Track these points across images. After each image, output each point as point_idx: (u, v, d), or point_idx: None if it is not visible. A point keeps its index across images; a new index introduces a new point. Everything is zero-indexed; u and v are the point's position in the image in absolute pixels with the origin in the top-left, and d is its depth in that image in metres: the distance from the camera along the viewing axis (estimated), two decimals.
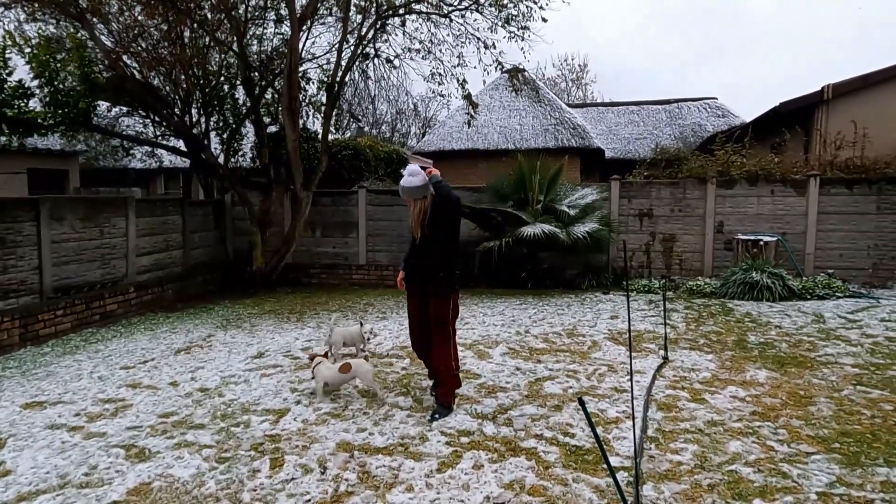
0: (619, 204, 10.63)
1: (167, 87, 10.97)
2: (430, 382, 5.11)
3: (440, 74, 11.43)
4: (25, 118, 8.68)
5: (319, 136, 11.61)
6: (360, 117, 14.93)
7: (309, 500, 3.18)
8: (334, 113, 11.55)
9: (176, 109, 10.94)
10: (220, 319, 8.25)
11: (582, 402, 2.54)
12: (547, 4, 10.49)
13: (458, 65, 11.31)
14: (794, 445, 3.74)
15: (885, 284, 9.47)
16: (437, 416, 4.28)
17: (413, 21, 11.32)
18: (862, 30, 51.12)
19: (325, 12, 11.25)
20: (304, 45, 10.74)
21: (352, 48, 10.93)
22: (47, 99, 8.95)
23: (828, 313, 7.70)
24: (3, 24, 9.47)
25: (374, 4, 10.79)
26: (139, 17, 9.79)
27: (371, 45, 11.31)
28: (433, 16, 11.05)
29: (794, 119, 11.57)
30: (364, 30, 10.91)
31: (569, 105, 20.08)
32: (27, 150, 11.76)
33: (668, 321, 7.07)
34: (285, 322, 7.98)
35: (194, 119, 11.25)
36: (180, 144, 11.45)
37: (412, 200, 4.34)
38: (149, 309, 9.02)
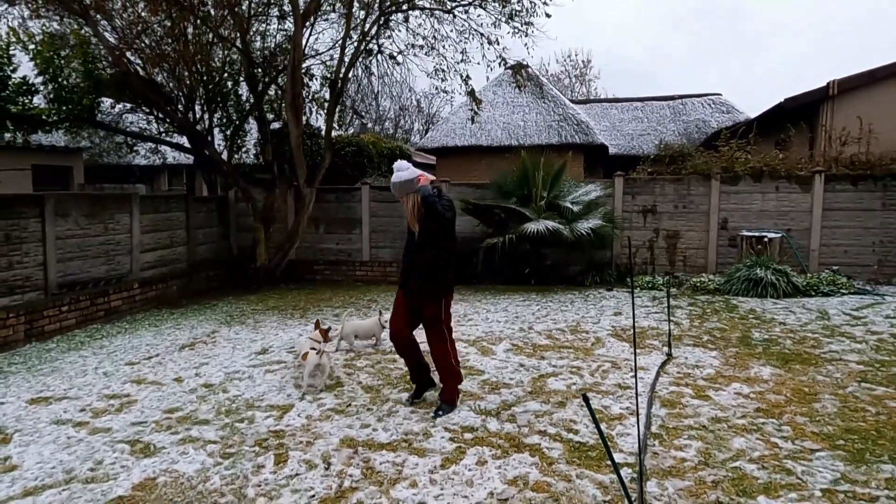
0: (622, 200, 10.61)
1: (171, 84, 10.98)
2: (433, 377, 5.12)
3: (443, 70, 11.41)
4: (30, 115, 8.72)
5: (323, 133, 11.61)
6: (363, 114, 14.92)
7: (313, 496, 3.19)
8: (337, 109, 11.55)
9: (179, 106, 10.96)
10: (224, 316, 8.27)
11: (586, 399, 2.54)
12: (551, 0, 10.46)
13: (462, 61, 11.28)
14: (798, 442, 3.73)
15: (891, 281, 9.43)
16: (440, 412, 4.28)
17: (416, 17, 11.29)
18: (868, 25, 50.79)
19: (328, 8, 11.23)
20: (307, 41, 10.75)
21: (355, 44, 10.91)
22: (51, 95, 8.98)
23: (832, 310, 7.68)
24: (7, 20, 9.50)
25: (378, 0, 10.77)
26: (142, 14, 9.80)
27: (374, 41, 11.30)
28: (436, 11, 11.02)
29: (799, 115, 11.51)
30: (367, 26, 10.89)
31: (572, 101, 20.00)
32: (32, 147, 11.79)
33: (671, 318, 7.05)
34: (289, 318, 7.99)
35: (198, 115, 11.26)
36: (184, 141, 11.46)
37: (404, 196, 4.25)
38: (153, 305, 9.05)
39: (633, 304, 3.25)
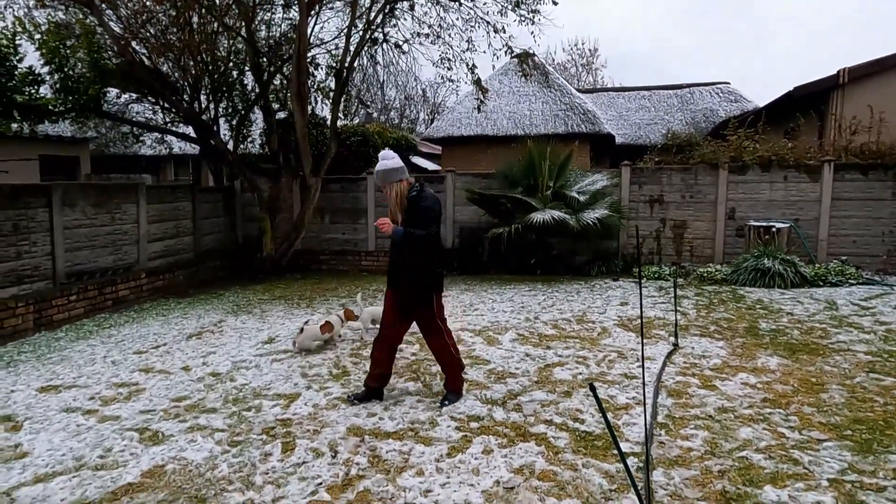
0: (629, 190, 10.55)
1: (176, 74, 10.96)
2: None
3: (449, 59, 11.34)
4: (36, 104, 8.74)
5: (328, 123, 11.58)
6: (368, 103, 14.86)
7: (320, 484, 3.21)
8: (343, 99, 11.51)
9: (185, 96, 10.94)
10: (231, 305, 8.31)
11: (593, 388, 2.53)
12: None
13: (468, 49, 11.20)
14: (805, 432, 3.72)
15: None
16: (447, 401, 4.29)
17: (422, 5, 11.26)
18: (881, 13, 50.07)
19: None
20: (312, 30, 10.69)
21: (360, 33, 10.85)
22: (58, 85, 8.99)
23: (840, 300, 7.63)
24: (13, 10, 9.48)
25: None
26: (147, 3, 9.76)
27: (380, 29, 11.23)
28: None
29: (808, 104, 11.38)
30: (373, 14, 10.82)
31: (579, 90, 19.86)
32: (39, 137, 11.82)
33: (678, 308, 7.03)
34: (295, 308, 8.02)
35: (203, 105, 11.25)
36: (190, 131, 11.46)
37: (388, 185, 4.19)
38: (160, 294, 9.10)
39: (640, 293, 3.23)
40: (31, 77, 8.67)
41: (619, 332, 6.33)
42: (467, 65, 11.26)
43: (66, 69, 8.91)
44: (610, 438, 3.60)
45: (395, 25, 11.49)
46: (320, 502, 3.03)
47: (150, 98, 10.99)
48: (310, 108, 11.28)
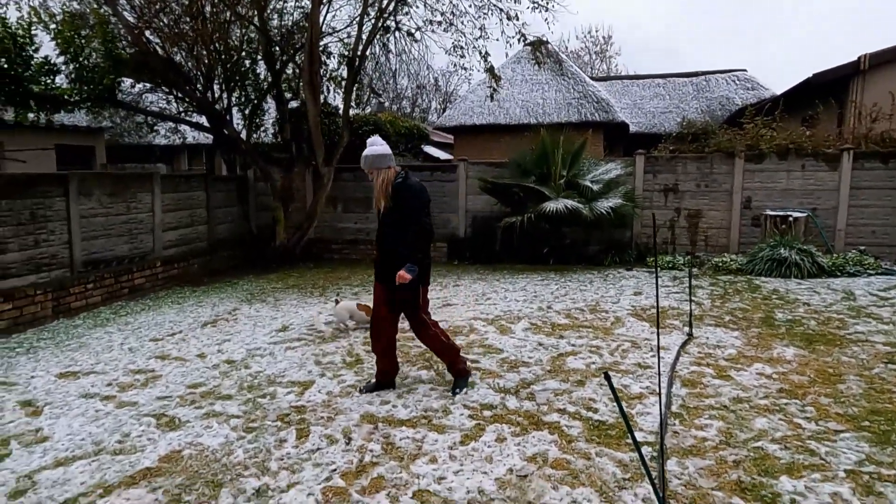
0: (643, 179, 10.46)
1: (189, 63, 11.00)
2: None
3: (462, 47, 11.25)
4: (52, 94, 8.80)
5: (340, 112, 11.57)
6: (380, 92, 14.81)
7: (335, 470, 3.23)
8: (355, 87, 11.48)
9: (198, 85, 10.98)
10: (245, 293, 8.37)
11: (608, 377, 2.52)
12: None
13: (481, 37, 11.11)
14: (822, 423, 3.68)
15: None
16: (458, 389, 4.29)
17: None
18: None
19: None
20: (324, 18, 10.65)
21: (372, 21, 10.80)
22: (73, 75, 9.05)
23: (858, 290, 7.52)
24: (29, 0, 9.54)
25: None
26: None
27: (392, 17, 11.16)
28: None
29: (827, 91, 11.17)
30: (385, 2, 10.76)
31: (592, 78, 19.65)
32: (55, 127, 11.92)
33: (693, 298, 6.97)
34: (308, 297, 8.06)
35: (216, 95, 11.28)
36: (203, 120, 11.51)
37: (374, 171, 4.08)
38: (175, 283, 9.19)
39: (657, 281, 3.21)
40: (46, 67, 8.73)
41: (633, 321, 6.29)
42: (480, 52, 11.18)
43: (81, 59, 8.96)
44: (623, 428, 3.60)
45: (407, 13, 11.43)
46: (335, 488, 3.05)
47: (163, 88, 11.04)
48: (322, 97, 11.27)
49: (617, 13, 50.01)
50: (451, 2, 11.09)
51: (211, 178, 10.72)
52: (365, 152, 4.13)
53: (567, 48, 33.14)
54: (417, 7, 11.59)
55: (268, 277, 9.74)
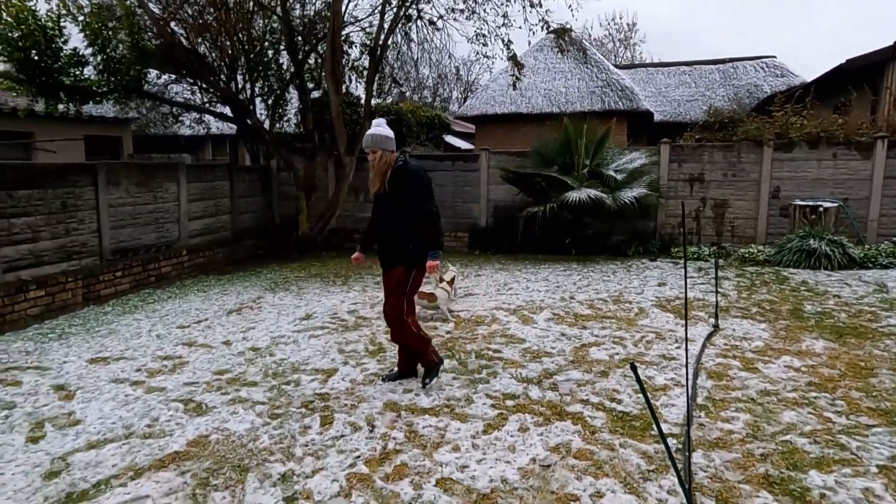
0: (668, 168, 10.29)
1: (213, 54, 11.09)
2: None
3: (484, 35, 11.13)
4: (81, 86, 8.94)
5: (362, 101, 11.57)
6: (401, 82, 14.78)
7: (359, 457, 3.26)
8: (377, 77, 11.46)
9: (222, 76, 11.07)
10: (269, 282, 8.47)
11: (634, 368, 2.49)
12: None
13: (503, 25, 10.97)
14: (853, 417, 3.61)
15: None
16: (427, 379, 4.17)
17: None
18: None
19: None
20: (346, 7, 10.62)
21: (394, 10, 10.74)
22: (101, 66, 9.17)
23: (891, 283, 7.33)
24: None
25: None
26: None
27: (414, 5, 11.09)
28: None
29: (861, 77, 10.85)
30: None
31: (616, 66, 19.35)
32: (84, 118, 12.15)
33: (719, 289, 6.87)
34: (331, 285, 8.12)
35: (240, 85, 11.36)
36: (227, 111, 11.61)
37: (378, 150, 4.01)
38: (200, 271, 9.33)
39: (685, 271, 3.15)
40: (75, 59, 8.87)
41: (657, 312, 6.22)
42: (503, 40, 11.05)
43: (108, 50, 9.08)
44: (647, 419, 3.56)
45: (429, 1, 11.37)
46: (359, 474, 3.08)
47: (188, 78, 11.15)
48: (344, 86, 11.28)
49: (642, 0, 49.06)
50: None
51: (235, 168, 10.83)
52: (370, 130, 4.06)
53: (590, 35, 32.68)
54: None
55: (291, 266, 9.84)
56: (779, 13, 50.24)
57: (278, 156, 11.31)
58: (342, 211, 11.34)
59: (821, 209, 8.94)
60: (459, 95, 32.36)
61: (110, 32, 9.05)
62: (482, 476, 3.04)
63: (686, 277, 2.82)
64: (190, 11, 10.33)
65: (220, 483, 3.04)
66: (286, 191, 11.76)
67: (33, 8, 8.38)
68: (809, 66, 44.22)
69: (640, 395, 3.94)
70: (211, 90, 11.23)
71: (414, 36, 12.06)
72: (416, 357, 4.42)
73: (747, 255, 9.09)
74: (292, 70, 11.28)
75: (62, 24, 8.67)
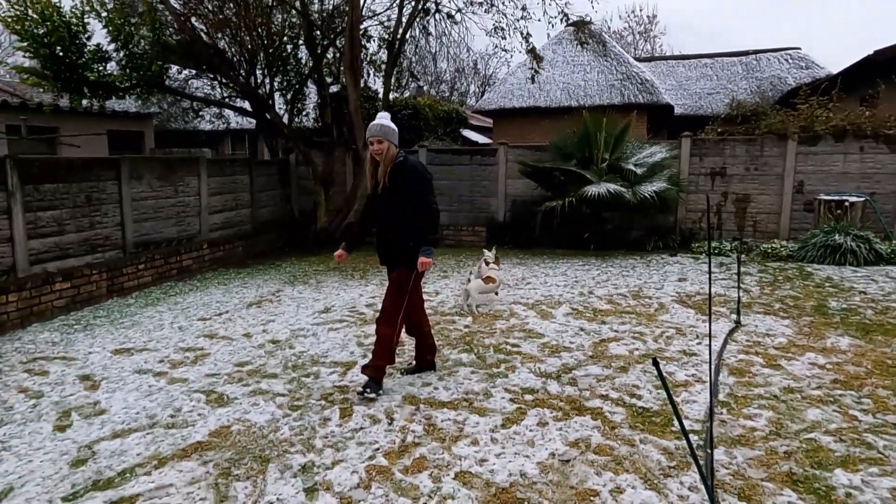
0: (689, 162, 10.15)
1: (233, 49, 11.18)
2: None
3: (503, 28, 11.10)
4: (105, 81, 9.08)
5: (380, 96, 11.59)
6: (419, 76, 14.78)
7: (378, 449, 3.28)
8: (395, 71, 11.48)
9: (241, 71, 11.16)
10: (288, 276, 8.54)
11: (656, 362, 2.47)
12: None
13: (522, 17, 10.92)
14: (879, 416, 3.53)
15: None
16: (367, 390, 3.94)
17: None
18: None
19: None
20: (364, 1, 10.65)
21: (412, 4, 10.74)
22: (123, 62, 9.31)
23: None
24: None
25: None
26: None
27: None
28: None
29: (890, 68, 10.56)
30: None
31: (636, 59, 19.11)
32: (107, 113, 12.33)
33: (741, 284, 6.76)
34: (349, 279, 8.16)
35: (259, 80, 11.45)
36: (246, 105, 11.71)
37: (383, 140, 3.89)
38: (221, 265, 9.44)
39: (709, 265, 3.11)
40: (99, 54, 9.01)
41: (678, 308, 6.15)
42: (521, 33, 11.00)
43: (130, 46, 9.21)
44: (668, 415, 3.53)
45: None
46: (378, 467, 3.10)
47: (208, 74, 11.27)
48: (362, 81, 11.31)
49: None
50: None
51: (254, 163, 10.92)
52: (377, 121, 3.96)
53: (610, 28, 32.32)
54: None
55: (309, 260, 9.91)
56: (805, 4, 49.22)
57: (297, 150, 11.38)
58: (360, 205, 11.37)
59: (847, 204, 8.76)
60: (477, 89, 32.27)
61: (132, 28, 9.17)
62: (501, 470, 3.03)
63: (710, 272, 2.78)
64: (210, 7, 10.42)
65: (242, 473, 3.08)
66: (304, 185, 11.83)
67: (58, 4, 8.51)
68: (836, 57, 43.28)
69: (661, 391, 3.91)
70: (231, 85, 11.33)
71: (432, 30, 12.06)
72: (432, 350, 4.44)
73: (770, 251, 8.94)
74: (311, 64, 11.33)
75: (86, 20, 8.80)
